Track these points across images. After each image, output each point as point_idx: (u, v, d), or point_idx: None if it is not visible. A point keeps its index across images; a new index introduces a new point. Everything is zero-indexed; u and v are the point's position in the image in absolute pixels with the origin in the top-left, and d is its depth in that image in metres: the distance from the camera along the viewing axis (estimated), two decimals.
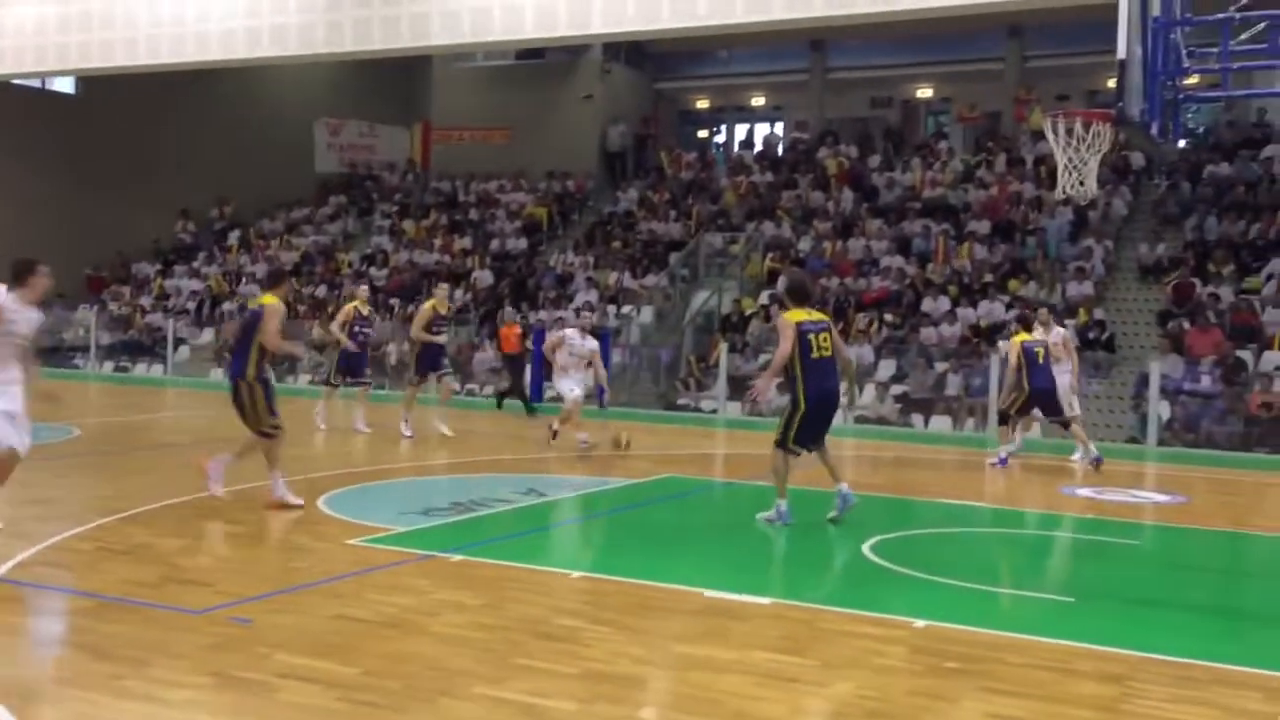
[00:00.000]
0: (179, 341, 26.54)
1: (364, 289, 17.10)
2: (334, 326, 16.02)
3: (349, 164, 32.43)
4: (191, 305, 27.71)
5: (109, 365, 26.67)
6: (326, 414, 16.02)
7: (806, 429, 9.63)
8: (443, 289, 16.32)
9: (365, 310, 16.11)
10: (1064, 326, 16.31)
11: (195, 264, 29.27)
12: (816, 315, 9.83)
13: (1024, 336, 14.42)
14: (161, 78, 25.13)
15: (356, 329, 15.84)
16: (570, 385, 14.12)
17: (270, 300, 9.99)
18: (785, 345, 9.45)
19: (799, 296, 9.86)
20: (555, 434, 14.49)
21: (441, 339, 15.57)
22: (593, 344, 14.44)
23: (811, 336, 9.49)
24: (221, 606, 6.75)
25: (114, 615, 6.56)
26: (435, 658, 5.97)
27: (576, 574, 7.84)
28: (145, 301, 28.00)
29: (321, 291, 26.75)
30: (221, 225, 30.73)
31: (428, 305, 15.65)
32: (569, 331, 14.60)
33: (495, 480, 11.98)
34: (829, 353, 9.58)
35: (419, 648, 6.12)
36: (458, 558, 8.18)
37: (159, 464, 13.13)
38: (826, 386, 9.62)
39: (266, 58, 22.68)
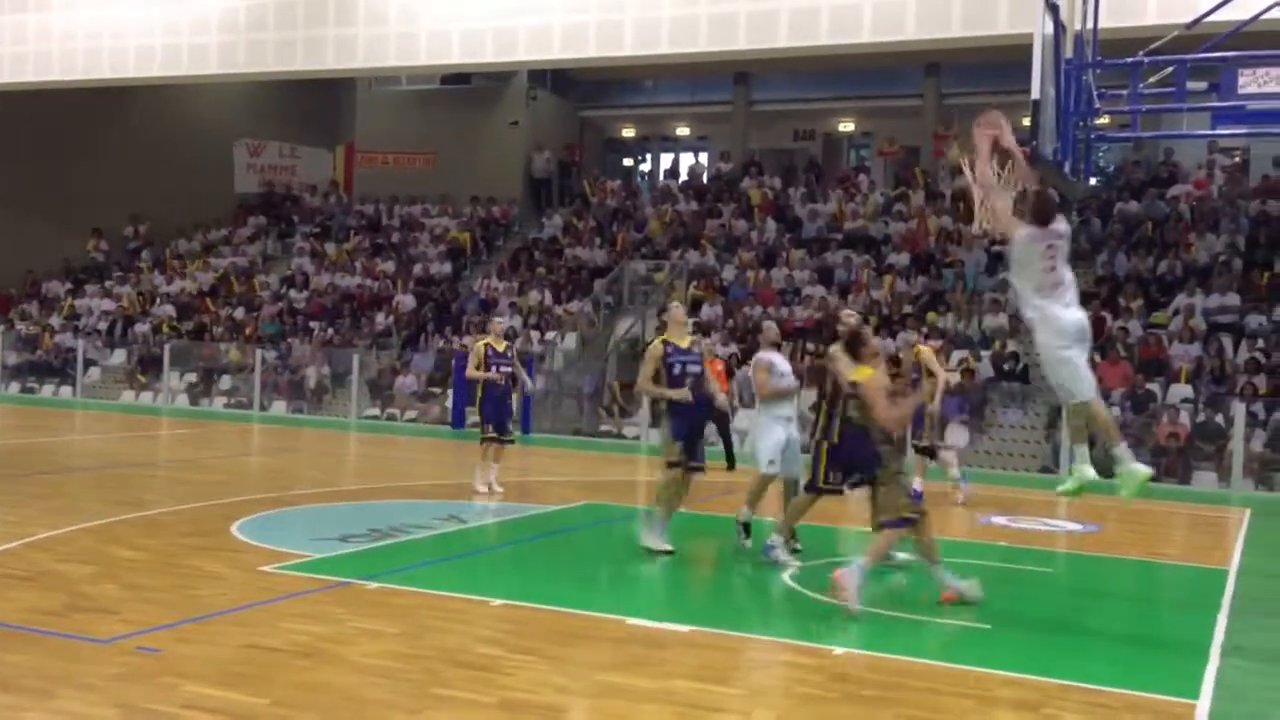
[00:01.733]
0: (89, 363, 25.89)
1: (498, 322, 14.17)
2: (471, 371, 13.16)
3: (268, 185, 32.00)
4: (103, 326, 27.07)
5: (15, 386, 25.92)
6: (484, 473, 13.12)
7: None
8: (497, 323, 13.91)
9: (500, 346, 13.28)
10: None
11: (107, 284, 28.60)
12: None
13: (931, 351, 14.41)
14: (76, 94, 24.63)
15: (494, 369, 13.08)
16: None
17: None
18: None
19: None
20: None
21: (499, 378, 13.04)
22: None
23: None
24: (129, 635, 6.57)
25: (16, 645, 6.35)
26: (350, 688, 5.86)
27: (497, 602, 7.77)
28: (55, 321, 27.28)
29: (240, 314, 26.31)
30: (135, 244, 30.09)
31: (480, 343, 13.27)
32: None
33: (415, 506, 11.84)
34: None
35: (333, 678, 6.01)
36: (375, 585, 8.06)
37: (65, 488, 12.76)
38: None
39: (186, 77, 22.36)
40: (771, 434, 9.85)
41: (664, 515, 9.68)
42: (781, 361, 10.25)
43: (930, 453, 13.65)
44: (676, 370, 9.58)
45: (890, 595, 8.62)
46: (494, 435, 12.98)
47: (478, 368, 13.02)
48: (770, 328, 10.61)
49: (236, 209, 31.41)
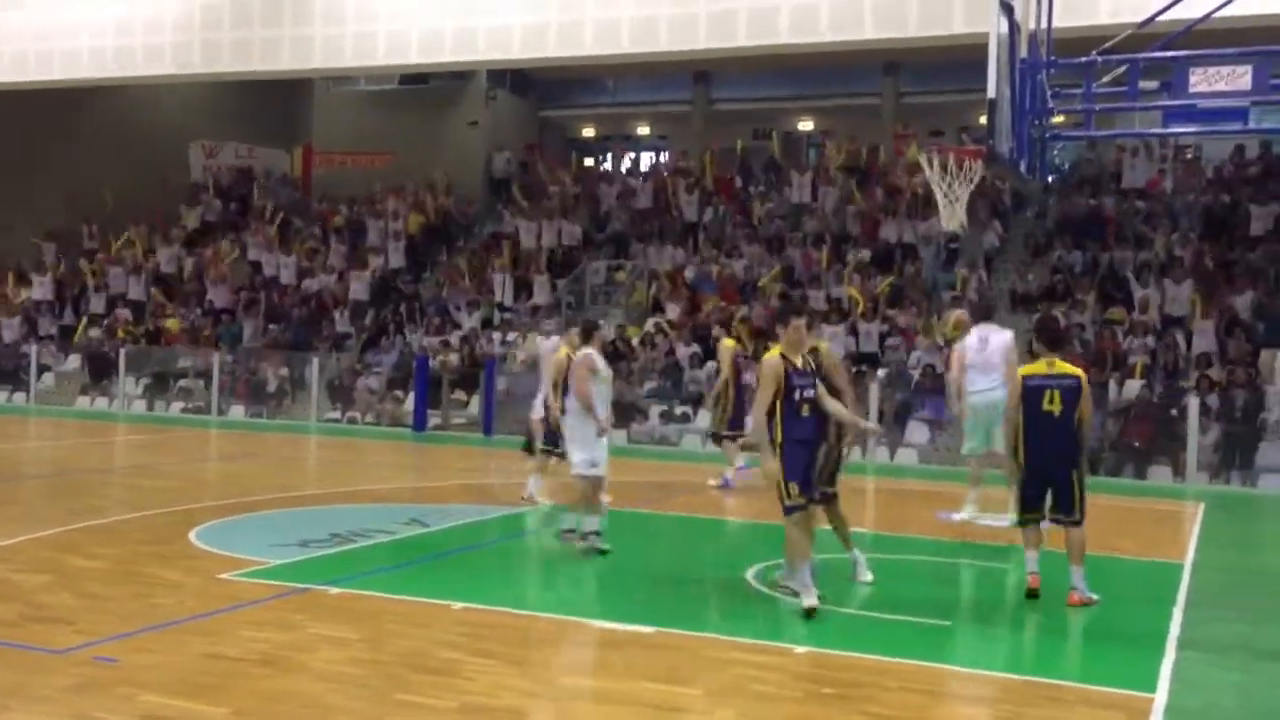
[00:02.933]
0: (43, 368, 25.52)
1: (574, 331, 11.86)
2: (548, 382, 11.59)
3: (225, 185, 31.69)
4: (55, 330, 26.69)
5: None
6: (540, 485, 12.60)
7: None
8: (599, 331, 11.21)
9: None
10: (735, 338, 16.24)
11: (59, 285, 28.17)
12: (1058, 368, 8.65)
13: (733, 344, 15.00)
14: (27, 95, 24.26)
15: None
16: None
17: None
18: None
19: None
20: None
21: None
22: None
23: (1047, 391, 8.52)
24: (84, 646, 6.48)
25: None
26: (311, 695, 5.82)
27: (458, 605, 7.74)
28: (4, 324, 26.83)
29: (197, 314, 26.03)
30: (90, 246, 29.69)
31: (562, 353, 11.18)
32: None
33: (376, 510, 11.77)
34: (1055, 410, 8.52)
35: (294, 685, 5.96)
36: (335, 591, 8.01)
37: (18, 496, 12.58)
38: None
39: (140, 77, 22.11)
40: (587, 436, 9.88)
41: (802, 565, 8.09)
42: (603, 363, 10.11)
43: (717, 439, 14.80)
44: (796, 396, 8.04)
45: (852, 594, 8.67)
46: (548, 448, 12.07)
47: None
48: (585, 326, 10.21)
49: (191, 209, 31.05)
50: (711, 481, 14.57)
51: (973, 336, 11.97)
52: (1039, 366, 8.61)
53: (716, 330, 15.65)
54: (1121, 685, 6.51)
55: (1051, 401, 8.45)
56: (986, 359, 11.82)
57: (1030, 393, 8.51)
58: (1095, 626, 8.16)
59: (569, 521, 10.10)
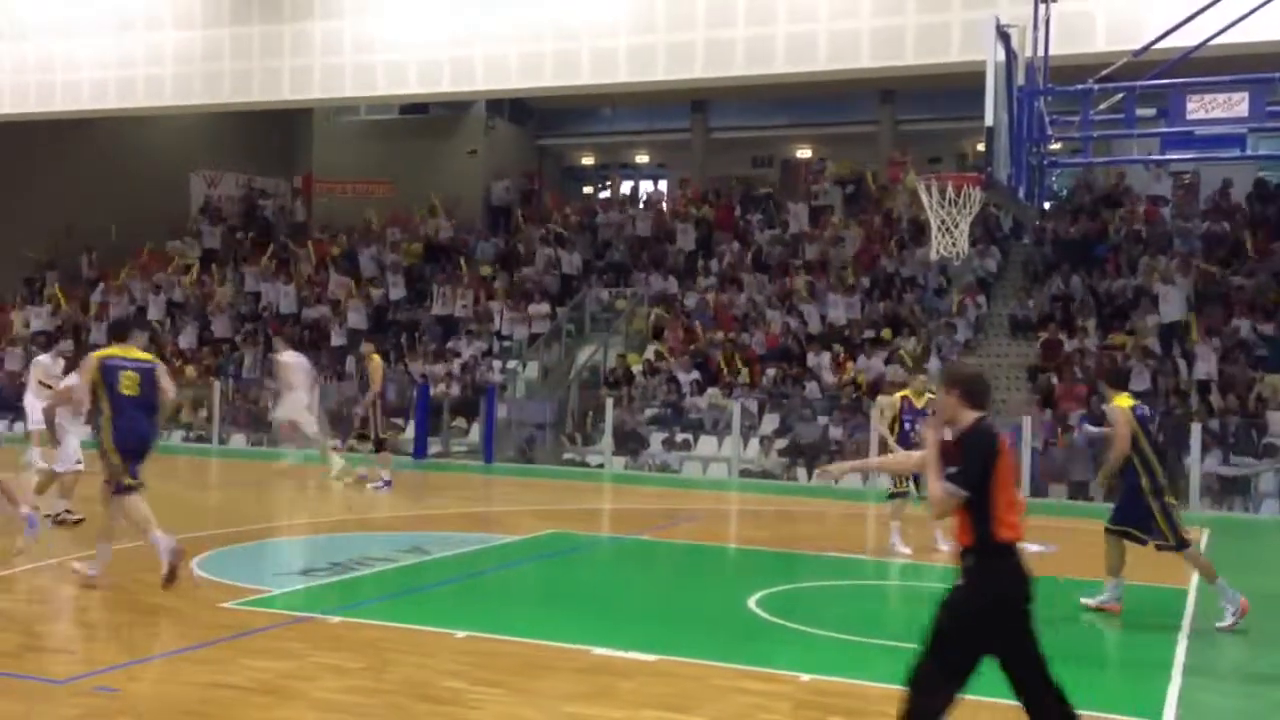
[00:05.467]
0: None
1: (921, 378, 12.63)
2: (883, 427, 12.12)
3: (225, 215, 31.78)
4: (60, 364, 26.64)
5: None
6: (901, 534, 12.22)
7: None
8: (919, 380, 12.32)
9: (920, 401, 11.82)
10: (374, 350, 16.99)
11: (57, 315, 28.19)
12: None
13: (379, 361, 16.19)
14: (28, 125, 24.37)
15: (906, 423, 11.95)
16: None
17: None
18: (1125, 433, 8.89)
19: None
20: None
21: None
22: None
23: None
24: (86, 675, 6.46)
25: None
26: None
27: (461, 634, 7.71)
28: (6, 353, 26.82)
29: (192, 342, 26.05)
30: (90, 276, 29.73)
31: (896, 397, 11.92)
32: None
33: (377, 539, 11.74)
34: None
35: (296, 715, 5.94)
36: (337, 619, 7.98)
37: (18, 525, 12.52)
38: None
39: (141, 109, 22.21)
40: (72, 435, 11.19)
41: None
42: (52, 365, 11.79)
43: (378, 445, 16.00)
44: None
45: (857, 620, 8.65)
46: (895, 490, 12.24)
47: (891, 425, 11.99)
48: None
49: (193, 239, 31.12)
50: (370, 486, 15.62)
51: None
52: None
53: (366, 347, 17.12)
54: (1127, 712, 6.49)
55: None
56: None
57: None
58: (1100, 652, 8.14)
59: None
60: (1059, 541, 13.14)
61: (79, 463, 11.68)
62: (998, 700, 6.55)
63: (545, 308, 24.45)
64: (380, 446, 16.07)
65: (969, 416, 4.97)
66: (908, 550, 11.78)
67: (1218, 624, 8.82)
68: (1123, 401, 9.11)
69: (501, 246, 27.78)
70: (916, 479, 11.51)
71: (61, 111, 22.29)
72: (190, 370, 24.37)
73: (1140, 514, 8.97)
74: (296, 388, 16.47)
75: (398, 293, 26.45)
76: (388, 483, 15.68)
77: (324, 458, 16.43)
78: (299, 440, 17.06)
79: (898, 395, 12.47)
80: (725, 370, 21.32)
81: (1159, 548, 9.09)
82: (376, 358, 16.41)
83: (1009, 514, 4.88)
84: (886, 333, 21.44)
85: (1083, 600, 9.30)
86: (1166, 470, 9.04)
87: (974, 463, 4.84)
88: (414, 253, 27.49)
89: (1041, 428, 18.39)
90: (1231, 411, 17.78)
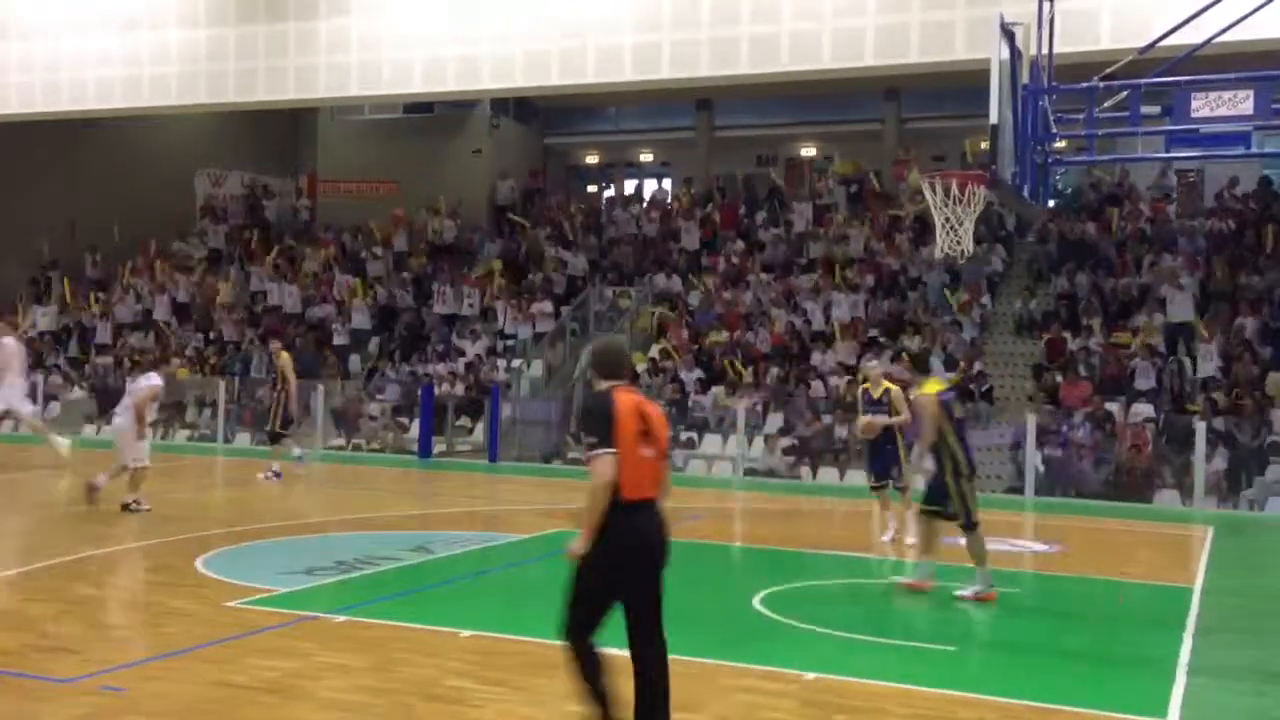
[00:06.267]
0: (50, 397, 25.54)
1: (874, 365, 12.89)
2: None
3: (230, 214, 31.82)
4: (61, 358, 26.73)
5: None
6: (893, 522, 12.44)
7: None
8: (871, 370, 12.39)
9: (876, 392, 11.98)
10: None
11: (64, 314, 28.25)
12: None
13: (288, 355, 16.81)
14: (32, 124, 24.41)
15: (868, 414, 12.11)
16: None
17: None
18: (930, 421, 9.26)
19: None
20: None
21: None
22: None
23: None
24: (93, 675, 6.47)
25: None
26: None
27: (466, 633, 7.72)
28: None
29: (200, 342, 26.08)
30: (95, 275, 29.79)
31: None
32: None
33: (382, 538, 11.75)
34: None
35: (302, 713, 5.95)
36: (343, 618, 7.99)
37: (25, 525, 12.58)
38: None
39: (146, 108, 22.23)
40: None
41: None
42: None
43: (274, 437, 16.81)
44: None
45: (861, 619, 8.65)
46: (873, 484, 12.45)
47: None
48: None
49: (198, 237, 31.18)
50: (261, 475, 16.23)
51: None
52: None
53: (275, 344, 17.92)
54: (1132, 711, 6.48)
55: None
56: None
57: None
58: (1105, 651, 8.13)
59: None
60: (1064, 541, 13.14)
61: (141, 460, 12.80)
62: (997, 699, 6.56)
63: (548, 306, 24.44)
64: (276, 439, 16.88)
65: (602, 386, 5.43)
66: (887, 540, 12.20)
67: (958, 591, 9.39)
68: (930, 388, 9.51)
69: (506, 246, 27.80)
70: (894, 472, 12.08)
71: (67, 111, 22.32)
72: (183, 372, 24.41)
73: (944, 494, 9.43)
74: (10, 371, 16.46)
75: (402, 292, 26.48)
76: (277, 474, 16.33)
77: (44, 440, 16.80)
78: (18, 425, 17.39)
79: (860, 388, 12.81)
80: (730, 369, 21.31)
81: (958, 523, 9.46)
82: (285, 354, 17.15)
83: (633, 474, 5.27)
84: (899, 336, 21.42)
85: (896, 580, 9.78)
86: (968, 453, 9.41)
87: (597, 424, 5.28)
88: (419, 263, 27.49)
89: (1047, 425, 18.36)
90: (1237, 410, 17.74)
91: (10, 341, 16.78)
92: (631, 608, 5.44)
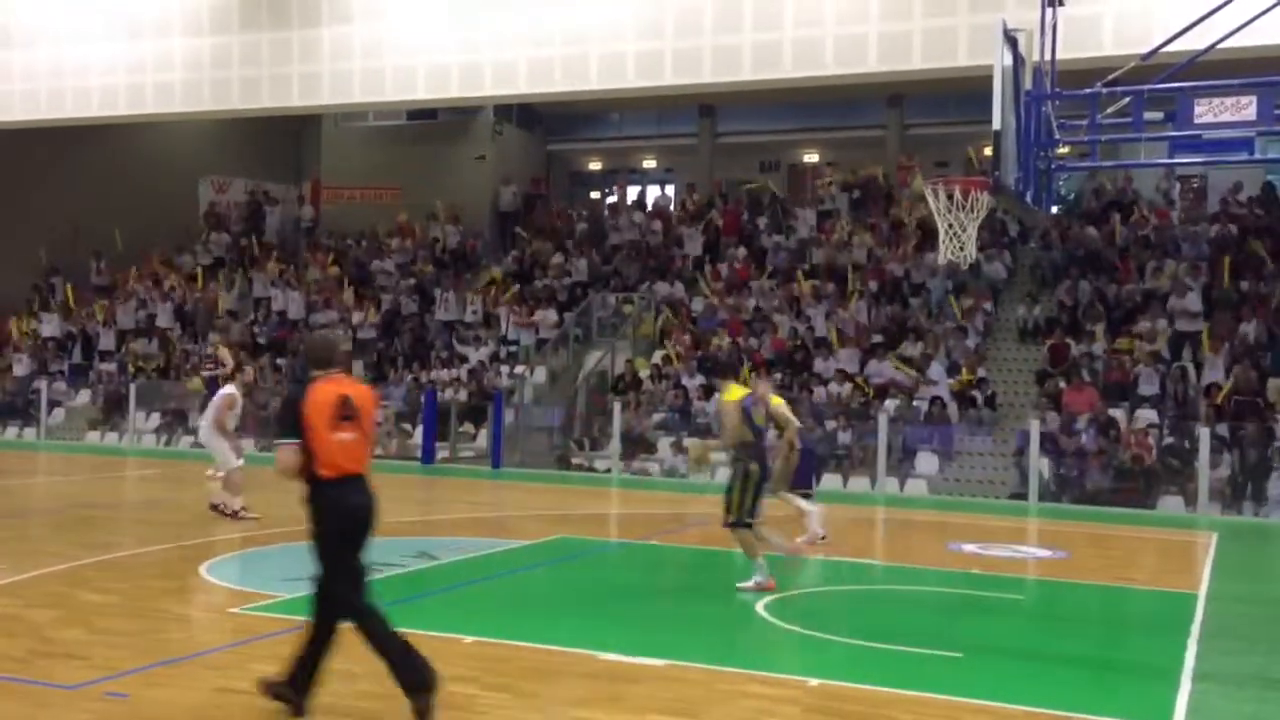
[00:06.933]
0: (53, 403, 25.58)
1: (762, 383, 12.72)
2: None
3: (234, 221, 31.87)
4: (65, 365, 26.77)
5: None
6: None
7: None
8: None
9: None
10: None
11: (68, 320, 28.29)
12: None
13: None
14: (39, 132, 24.48)
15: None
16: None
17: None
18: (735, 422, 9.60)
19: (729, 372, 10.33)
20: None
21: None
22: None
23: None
24: (96, 681, 6.48)
25: None
26: None
27: (469, 639, 7.72)
28: (15, 359, 26.93)
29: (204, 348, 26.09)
30: (99, 282, 29.84)
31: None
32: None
33: (385, 544, 11.73)
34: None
35: None
36: (346, 625, 7.98)
37: (29, 532, 12.59)
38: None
39: (150, 115, 22.27)
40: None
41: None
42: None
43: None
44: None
45: (865, 625, 8.63)
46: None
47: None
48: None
49: (200, 244, 31.21)
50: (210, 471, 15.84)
51: None
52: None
53: (215, 338, 19.47)
54: (1137, 717, 6.47)
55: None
56: None
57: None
58: (1109, 658, 8.12)
59: None
60: (1070, 547, 13.13)
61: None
62: (1002, 705, 6.55)
63: (553, 315, 24.43)
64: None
65: (314, 376, 6.02)
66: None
67: (739, 584, 9.64)
68: (733, 394, 9.78)
69: (509, 251, 27.83)
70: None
71: (72, 118, 22.37)
72: (195, 385, 24.43)
73: (728, 492, 9.76)
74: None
75: (407, 300, 26.50)
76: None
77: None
78: None
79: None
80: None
81: (724, 523, 9.81)
82: (225, 349, 18.76)
83: (327, 455, 5.88)
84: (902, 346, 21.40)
85: (739, 585, 9.76)
86: (763, 461, 9.76)
87: (284, 416, 5.98)
88: (423, 270, 27.52)
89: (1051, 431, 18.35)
90: (1241, 416, 17.72)
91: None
92: None
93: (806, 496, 12.54)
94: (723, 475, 11.78)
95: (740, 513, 9.69)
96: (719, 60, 17.46)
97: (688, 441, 12.95)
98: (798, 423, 12.24)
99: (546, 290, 25.57)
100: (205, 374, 19.93)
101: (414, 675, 5.88)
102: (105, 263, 29.82)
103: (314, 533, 6.01)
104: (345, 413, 5.90)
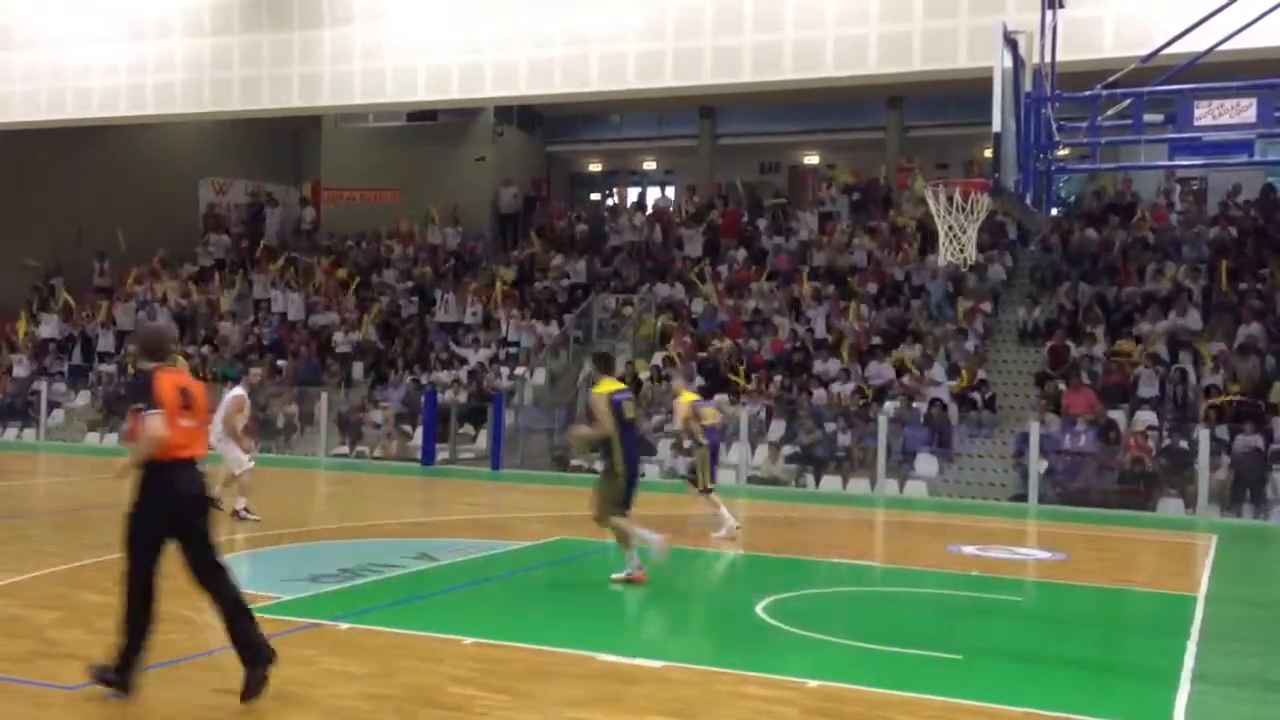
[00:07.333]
0: (52, 405, 25.59)
1: (679, 383, 14.67)
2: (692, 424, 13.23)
3: (234, 222, 31.89)
4: (65, 366, 26.78)
5: None
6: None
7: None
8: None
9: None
10: None
11: (69, 322, 28.31)
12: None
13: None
14: (40, 133, 24.49)
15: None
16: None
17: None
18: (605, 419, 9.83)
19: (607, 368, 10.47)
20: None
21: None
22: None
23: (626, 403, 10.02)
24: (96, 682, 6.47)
25: None
26: None
27: (468, 640, 7.73)
28: (15, 360, 26.94)
29: (205, 350, 26.10)
30: (102, 283, 29.85)
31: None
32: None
33: (385, 545, 11.76)
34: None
35: None
36: (346, 626, 8.00)
37: (29, 532, 12.59)
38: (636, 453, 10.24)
39: (150, 116, 22.28)
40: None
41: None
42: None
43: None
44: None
45: (864, 627, 8.64)
46: None
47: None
48: None
49: (201, 245, 31.24)
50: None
51: None
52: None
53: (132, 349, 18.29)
54: (1135, 718, 6.47)
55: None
56: None
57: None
58: (1108, 659, 8.12)
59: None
60: (1069, 549, 13.13)
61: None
62: (1001, 707, 6.55)
63: (554, 329, 24.34)
64: None
65: (147, 367, 6.34)
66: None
67: (613, 575, 9.93)
68: (604, 387, 9.98)
69: (509, 252, 27.83)
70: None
71: (72, 119, 22.39)
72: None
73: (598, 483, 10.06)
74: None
75: (407, 302, 26.51)
76: None
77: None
78: None
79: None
80: (735, 377, 21.31)
81: (592, 515, 10.07)
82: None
83: (173, 439, 6.18)
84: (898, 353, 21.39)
85: (612, 577, 9.96)
86: (629, 453, 9.93)
87: (143, 395, 6.18)
88: (423, 272, 27.52)
89: (1051, 433, 18.35)
90: (1240, 418, 17.72)
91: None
92: (187, 550, 6.31)
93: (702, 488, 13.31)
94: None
95: (603, 514, 9.90)
96: (719, 62, 17.47)
97: (573, 428, 13.67)
98: (697, 421, 13.11)
99: (547, 292, 25.57)
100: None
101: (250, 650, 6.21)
102: (108, 264, 29.82)
103: (134, 511, 6.27)
104: (185, 401, 6.31)
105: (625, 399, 10.01)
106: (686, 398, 13.27)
